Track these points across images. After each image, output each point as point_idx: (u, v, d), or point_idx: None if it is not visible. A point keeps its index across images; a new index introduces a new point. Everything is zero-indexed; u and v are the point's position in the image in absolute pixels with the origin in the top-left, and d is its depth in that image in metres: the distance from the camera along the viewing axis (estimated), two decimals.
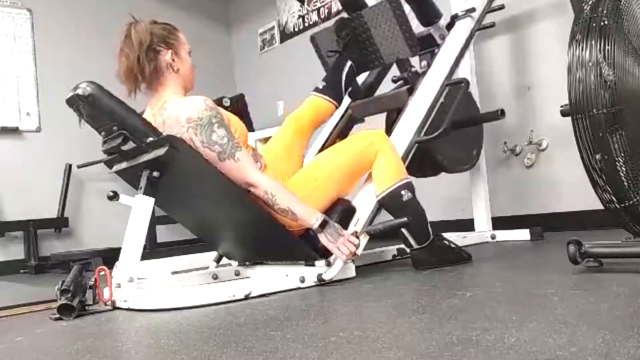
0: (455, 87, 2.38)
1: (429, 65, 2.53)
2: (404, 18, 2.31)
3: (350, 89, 2.48)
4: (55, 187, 4.27)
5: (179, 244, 4.44)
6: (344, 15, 2.54)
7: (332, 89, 2.36)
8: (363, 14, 2.39)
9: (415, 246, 2.07)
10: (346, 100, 2.65)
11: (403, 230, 2.05)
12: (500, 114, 2.65)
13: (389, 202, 2.03)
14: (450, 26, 2.69)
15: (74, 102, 1.83)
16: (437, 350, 0.93)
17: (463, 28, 2.59)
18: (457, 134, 2.62)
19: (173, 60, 1.95)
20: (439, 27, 2.66)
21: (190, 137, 1.81)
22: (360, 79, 2.74)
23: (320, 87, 2.37)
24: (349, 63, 2.42)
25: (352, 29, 2.43)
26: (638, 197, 1.51)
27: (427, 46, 2.70)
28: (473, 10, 2.61)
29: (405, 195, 2.01)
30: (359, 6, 2.55)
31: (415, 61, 2.64)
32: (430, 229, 2.09)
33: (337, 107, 2.40)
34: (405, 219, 1.97)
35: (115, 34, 1.96)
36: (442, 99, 2.36)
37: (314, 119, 2.33)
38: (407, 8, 2.70)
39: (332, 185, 2.02)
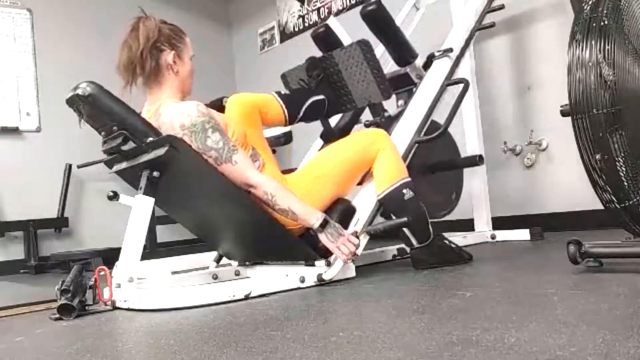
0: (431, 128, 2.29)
1: (406, 104, 2.44)
2: (375, 62, 2.22)
3: (322, 131, 2.42)
4: (55, 187, 4.27)
5: (179, 244, 4.44)
6: (315, 55, 2.42)
7: (291, 103, 2.19)
8: (334, 55, 2.28)
9: (416, 245, 2.06)
10: (319, 142, 2.62)
11: (403, 229, 2.05)
12: (478, 159, 2.66)
13: (390, 202, 2.03)
14: (427, 66, 2.58)
15: (74, 102, 1.83)
16: (437, 350, 0.93)
17: (441, 67, 2.48)
18: (435, 178, 2.63)
19: (174, 62, 1.95)
20: (415, 67, 2.56)
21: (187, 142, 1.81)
22: (333, 121, 2.64)
23: (282, 92, 2.22)
24: (319, 97, 2.27)
25: (324, 69, 2.32)
26: (638, 197, 1.51)
27: (404, 85, 2.61)
28: (450, 50, 2.52)
29: (407, 194, 2.01)
30: (332, 46, 2.47)
31: (388, 104, 2.55)
32: (431, 228, 2.09)
33: (285, 123, 2.20)
34: (406, 219, 1.97)
35: (116, 34, 1.96)
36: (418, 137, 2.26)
37: (260, 106, 2.11)
38: (381, 49, 2.65)
39: (332, 184, 2.02)
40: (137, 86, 1.94)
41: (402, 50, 2.54)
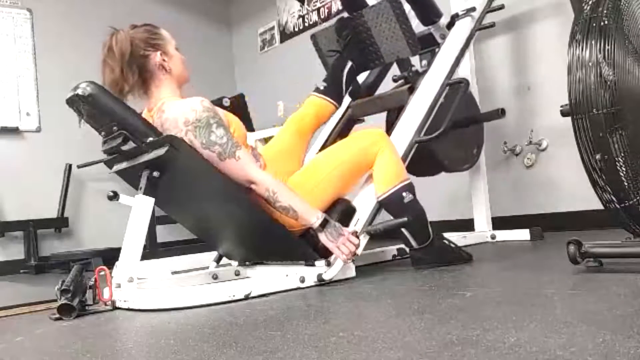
0: (454, 87, 2.38)
1: (429, 65, 2.52)
2: (404, 17, 2.31)
3: (350, 88, 2.48)
4: (55, 187, 4.27)
5: (179, 244, 4.43)
6: (345, 14, 2.54)
7: (332, 90, 2.37)
8: (363, 13, 2.38)
9: (416, 246, 2.07)
10: (346, 100, 2.66)
11: (403, 230, 2.05)
12: (500, 113, 2.66)
13: (389, 204, 2.03)
14: (450, 25, 2.69)
15: (74, 102, 1.83)
16: (437, 350, 0.93)
17: (463, 27, 2.59)
18: (457, 133, 2.63)
19: (164, 60, 1.94)
20: (439, 27, 2.66)
21: (189, 139, 1.81)
22: (361, 78, 2.73)
23: (321, 87, 2.37)
24: (349, 63, 2.42)
25: (353, 28, 2.43)
26: (638, 197, 1.51)
27: (428, 45, 2.69)
28: (473, 9, 2.60)
29: (407, 196, 2.01)
30: (359, 5, 2.54)
31: (415, 60, 2.63)
32: (430, 229, 2.09)
33: (337, 108, 2.41)
34: (405, 218, 1.97)
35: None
36: (442, 99, 2.36)
37: (315, 120, 2.33)
38: (407, 7, 2.69)
39: (332, 184, 2.02)
40: (134, 95, 1.94)
41: (427, 10, 2.64)
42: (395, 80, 2.74)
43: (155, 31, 1.98)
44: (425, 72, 2.48)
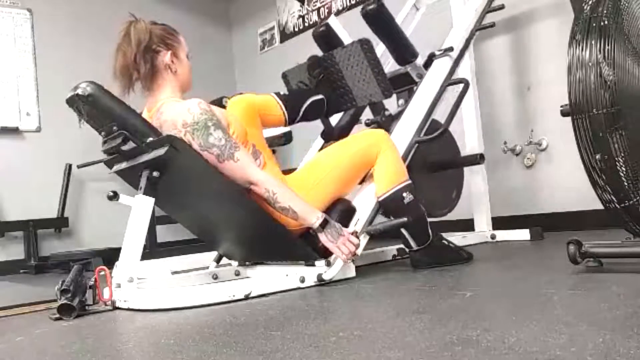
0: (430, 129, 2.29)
1: (406, 102, 2.45)
2: (376, 61, 2.22)
3: (323, 129, 2.42)
4: (55, 187, 4.27)
5: (179, 244, 4.43)
6: (316, 54, 2.44)
7: (290, 103, 2.19)
8: (335, 54, 2.29)
9: (415, 247, 2.07)
10: (319, 142, 2.62)
11: (403, 231, 2.05)
12: (479, 158, 2.66)
13: (390, 204, 2.03)
14: (427, 65, 2.58)
15: (74, 102, 1.83)
16: (437, 350, 0.93)
17: (442, 67, 2.48)
18: (436, 177, 2.62)
19: (172, 61, 1.95)
20: (415, 66, 2.56)
21: (188, 140, 1.81)
22: (334, 120, 2.65)
23: (281, 93, 2.23)
24: (318, 96, 2.27)
25: (324, 68, 2.32)
26: (638, 197, 1.51)
27: (404, 84, 2.61)
28: (451, 49, 2.52)
29: (407, 197, 2.01)
30: (333, 45, 2.47)
31: (389, 103, 2.54)
32: (430, 230, 2.09)
33: (285, 123, 2.21)
34: (405, 219, 1.97)
35: (116, 33, 1.96)
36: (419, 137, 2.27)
37: (260, 108, 2.12)
38: (382, 47, 2.65)
39: (332, 185, 2.02)
40: (134, 91, 1.95)
41: (402, 50, 2.54)
42: (367, 125, 2.62)
43: (172, 32, 2.00)
44: (401, 111, 2.40)
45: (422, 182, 2.24)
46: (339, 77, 2.31)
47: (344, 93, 2.32)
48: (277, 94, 2.20)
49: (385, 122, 2.47)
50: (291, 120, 2.22)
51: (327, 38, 2.63)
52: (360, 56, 2.21)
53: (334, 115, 2.57)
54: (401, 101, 2.64)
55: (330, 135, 2.55)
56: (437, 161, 2.74)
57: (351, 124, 2.74)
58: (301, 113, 2.23)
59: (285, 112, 2.17)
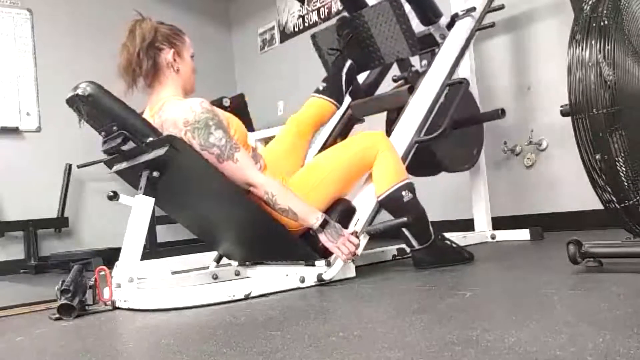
0: (455, 87, 2.37)
1: (429, 65, 2.52)
2: (405, 18, 2.31)
3: (350, 88, 2.48)
4: (55, 187, 4.27)
5: (179, 244, 4.43)
6: (345, 14, 2.54)
7: (332, 90, 2.36)
8: (364, 13, 2.38)
9: (417, 246, 2.07)
10: (347, 100, 2.65)
11: (404, 230, 2.05)
12: (500, 113, 2.66)
13: (389, 203, 2.03)
14: (450, 26, 2.68)
15: (74, 102, 1.83)
16: (437, 350, 0.93)
17: (463, 27, 2.58)
18: (457, 133, 2.63)
19: (175, 60, 1.95)
20: (439, 27, 2.65)
21: (188, 139, 1.81)
22: (361, 78, 2.73)
23: (321, 88, 2.37)
24: (349, 62, 2.42)
25: (353, 28, 2.42)
26: (638, 197, 1.51)
27: (428, 45, 2.69)
28: (473, 9, 2.60)
29: (406, 196, 2.01)
30: (360, 5, 2.54)
31: (415, 60, 2.63)
32: (431, 228, 2.09)
33: (338, 108, 2.41)
34: (405, 219, 1.97)
35: (116, 33, 1.96)
36: (442, 99, 2.36)
37: (315, 121, 2.33)
38: (407, 7, 2.69)
39: (331, 185, 2.02)
40: (137, 89, 1.95)
41: (426, 9, 2.62)
42: (395, 81, 2.74)
43: (177, 32, 2.01)
44: (425, 72, 2.48)
45: (444, 138, 2.26)
46: (367, 36, 2.40)
47: (372, 51, 2.42)
48: (317, 90, 2.36)
49: (412, 77, 2.52)
50: (341, 102, 2.41)
51: None
52: (389, 14, 2.30)
53: (361, 73, 2.66)
54: (424, 62, 2.70)
55: (358, 93, 2.63)
56: (458, 118, 2.73)
57: (378, 81, 2.85)
58: (344, 91, 2.40)
59: (334, 101, 2.35)
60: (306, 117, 2.32)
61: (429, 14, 2.62)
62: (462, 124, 2.68)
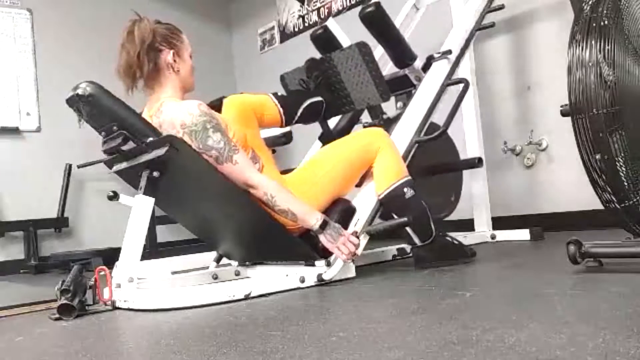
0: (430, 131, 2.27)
1: (405, 106, 2.44)
2: (374, 64, 2.21)
3: (321, 132, 2.42)
4: (55, 187, 4.27)
5: (179, 244, 4.43)
6: (314, 57, 2.42)
7: (288, 104, 2.16)
8: (333, 56, 2.28)
9: (419, 243, 2.06)
10: (317, 145, 2.62)
11: (406, 227, 2.04)
12: (477, 162, 2.66)
13: (391, 201, 2.02)
14: (426, 67, 2.57)
15: (74, 102, 1.83)
16: (437, 350, 0.93)
17: (440, 70, 2.46)
18: (435, 181, 2.63)
19: (174, 60, 1.95)
20: (414, 69, 2.55)
21: (187, 141, 1.81)
22: (332, 123, 2.65)
23: (279, 94, 2.20)
24: (317, 98, 2.26)
25: (323, 70, 2.32)
26: (638, 197, 1.51)
27: (403, 87, 2.60)
28: (449, 52, 2.50)
29: (408, 192, 2.01)
30: (331, 46, 2.47)
31: (387, 106, 2.54)
32: (433, 226, 2.08)
33: (281, 124, 2.17)
34: (406, 218, 1.97)
35: (116, 33, 1.96)
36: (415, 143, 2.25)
37: (255, 108, 2.08)
38: (380, 50, 2.65)
39: (331, 182, 2.01)
40: (137, 89, 1.95)
41: (400, 52, 2.54)
42: (365, 127, 2.64)
43: (175, 32, 2.00)
44: (399, 115, 2.39)
45: (421, 185, 2.23)
46: (337, 80, 2.30)
47: (342, 96, 2.31)
48: (275, 94, 2.17)
49: (384, 125, 2.47)
50: (288, 121, 2.18)
51: (325, 40, 2.63)
52: (359, 59, 2.20)
53: (332, 118, 2.56)
54: (400, 104, 2.64)
55: (329, 138, 2.54)
56: (436, 164, 2.74)
57: (349, 126, 2.74)
58: (299, 114, 2.20)
59: (282, 112, 2.13)
60: (247, 99, 2.10)
61: (403, 57, 2.52)
62: (440, 170, 2.69)
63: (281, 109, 2.13)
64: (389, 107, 2.62)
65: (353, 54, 2.21)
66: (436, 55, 2.52)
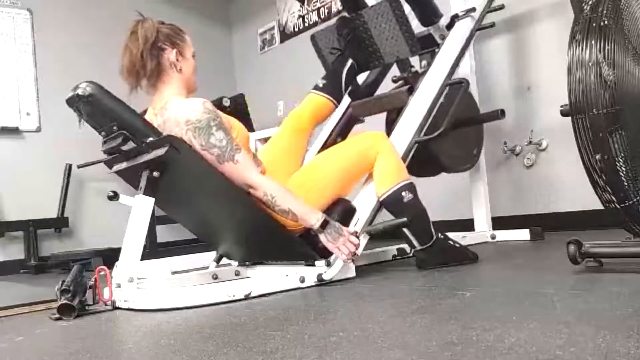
0: (454, 87, 2.37)
1: (429, 65, 2.52)
2: (404, 18, 2.30)
3: (350, 88, 2.47)
4: (55, 187, 4.27)
5: (179, 244, 4.43)
6: (345, 14, 2.54)
7: (332, 88, 2.35)
8: (363, 13, 2.38)
9: (418, 246, 2.06)
10: (346, 100, 2.65)
11: (405, 230, 2.04)
12: (500, 113, 2.65)
13: (390, 203, 2.03)
14: (450, 26, 2.68)
15: (74, 102, 1.83)
16: (437, 350, 0.93)
17: (463, 28, 2.58)
18: (457, 134, 2.63)
19: (177, 59, 1.95)
20: (438, 27, 2.65)
21: (189, 138, 1.81)
22: (361, 78, 2.73)
23: (320, 85, 2.36)
24: (349, 62, 2.41)
25: (353, 28, 2.42)
26: (638, 197, 1.51)
27: (428, 46, 2.69)
28: (473, 10, 2.60)
29: (406, 196, 2.01)
30: (359, 6, 2.53)
31: (415, 61, 2.62)
32: (433, 228, 2.09)
33: (336, 106, 2.40)
34: (405, 218, 1.97)
35: (116, 33, 1.97)
36: (442, 99, 2.36)
37: (313, 117, 2.31)
38: (407, 8, 2.69)
39: (331, 186, 2.02)
40: (142, 88, 1.95)
41: (426, 10, 2.62)
42: (394, 81, 2.74)
43: (178, 32, 2.01)
44: (424, 72, 2.48)
45: (444, 138, 2.26)
46: (367, 36, 2.40)
47: (372, 52, 2.41)
48: (316, 87, 2.34)
49: (412, 78, 2.52)
50: (339, 100, 2.39)
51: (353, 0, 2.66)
52: (389, 14, 2.29)
53: (361, 73, 2.64)
54: (424, 62, 2.69)
55: (358, 93, 2.62)
56: (459, 118, 2.73)
57: (378, 81, 2.83)
58: (343, 88, 2.38)
59: (332, 99, 2.33)
60: (304, 113, 2.30)
61: (429, 15, 2.63)
62: (462, 124, 2.68)
63: (331, 97, 2.33)
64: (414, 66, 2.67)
65: (384, 9, 2.31)
66: (460, 14, 2.57)
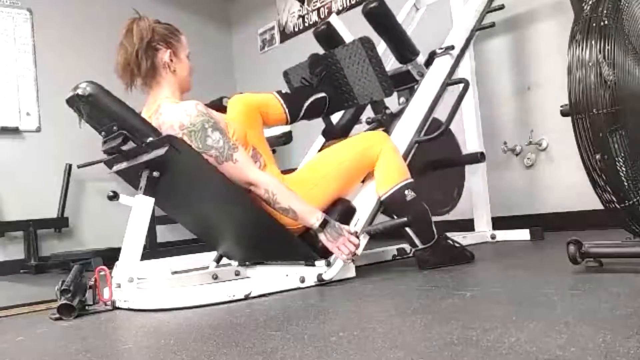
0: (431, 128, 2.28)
1: (407, 101, 2.44)
2: (377, 59, 2.22)
3: (324, 127, 2.42)
4: (55, 187, 4.27)
5: (179, 244, 4.43)
6: (317, 52, 2.43)
7: (291, 101, 2.17)
8: (336, 52, 2.28)
9: (420, 246, 2.06)
10: (320, 140, 2.62)
11: (407, 230, 2.04)
12: (480, 156, 2.66)
13: (392, 202, 2.03)
14: (428, 63, 2.58)
15: (74, 102, 1.83)
16: (437, 350, 0.93)
17: (442, 65, 2.48)
18: (435, 176, 2.63)
19: (171, 60, 1.95)
20: (416, 65, 2.55)
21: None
22: (335, 118, 2.66)
23: (283, 92, 2.21)
24: (320, 94, 2.27)
25: (326, 66, 2.32)
26: (638, 197, 1.51)
27: (406, 82, 2.60)
28: (452, 47, 2.51)
29: (409, 195, 2.01)
30: (334, 42, 2.48)
31: (390, 101, 2.53)
32: (434, 228, 2.09)
33: (287, 122, 2.20)
34: (406, 219, 1.97)
35: (116, 33, 1.96)
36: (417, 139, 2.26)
37: (260, 105, 2.10)
38: (383, 46, 2.65)
39: (332, 185, 2.02)
40: (136, 87, 1.95)
41: (403, 48, 2.54)
42: (369, 123, 2.66)
43: (174, 32, 2.00)
44: (402, 110, 2.40)
45: (423, 180, 2.23)
46: (340, 76, 2.31)
47: (345, 91, 2.32)
48: (279, 92, 2.18)
49: (386, 120, 2.47)
50: (293, 119, 2.20)
51: (328, 37, 2.64)
52: (362, 54, 2.21)
53: (335, 113, 2.57)
54: (402, 99, 2.64)
55: (332, 134, 2.55)
56: (438, 160, 2.74)
57: (352, 122, 2.75)
58: (303, 111, 2.21)
59: (287, 110, 2.15)
60: (252, 98, 2.11)
61: (406, 53, 2.51)
62: (443, 166, 2.68)
63: (286, 108, 2.14)
64: (391, 103, 2.62)
65: (356, 49, 2.22)
66: (439, 51, 2.52)
